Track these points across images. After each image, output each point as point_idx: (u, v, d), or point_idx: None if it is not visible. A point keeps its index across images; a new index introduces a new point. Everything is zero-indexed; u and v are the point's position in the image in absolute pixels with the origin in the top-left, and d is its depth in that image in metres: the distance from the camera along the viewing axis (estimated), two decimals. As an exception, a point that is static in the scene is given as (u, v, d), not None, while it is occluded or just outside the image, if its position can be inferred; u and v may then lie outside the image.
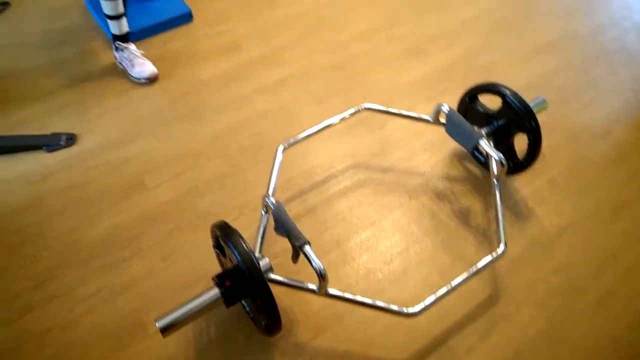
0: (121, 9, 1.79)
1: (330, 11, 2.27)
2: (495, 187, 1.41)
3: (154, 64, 1.92)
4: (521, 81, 1.95)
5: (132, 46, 1.90)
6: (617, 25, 2.25)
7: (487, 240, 1.45)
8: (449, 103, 1.80)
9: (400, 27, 2.19)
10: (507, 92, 1.47)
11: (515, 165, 1.56)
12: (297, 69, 1.98)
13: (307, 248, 1.13)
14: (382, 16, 2.25)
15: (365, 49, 2.07)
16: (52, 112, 1.80)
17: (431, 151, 1.69)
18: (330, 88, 1.90)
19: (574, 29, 2.22)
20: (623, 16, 2.30)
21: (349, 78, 1.95)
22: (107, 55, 2.02)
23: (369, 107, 1.57)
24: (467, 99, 1.61)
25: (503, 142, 1.54)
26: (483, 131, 1.53)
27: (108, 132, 1.73)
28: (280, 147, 1.43)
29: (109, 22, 1.82)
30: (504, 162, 1.41)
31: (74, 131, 1.73)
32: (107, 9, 1.77)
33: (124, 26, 1.84)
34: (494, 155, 1.41)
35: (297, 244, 1.15)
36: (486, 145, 1.43)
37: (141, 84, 1.90)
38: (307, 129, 1.49)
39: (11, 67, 1.99)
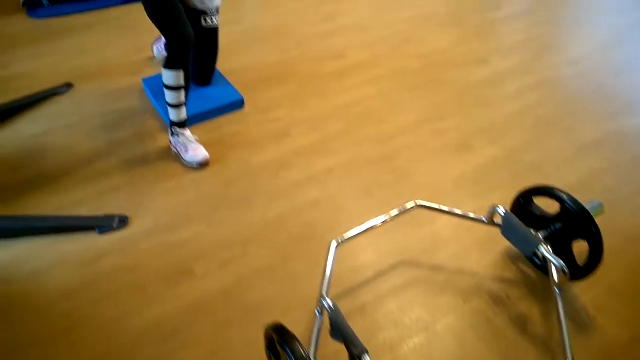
0: (183, 99, 1.88)
1: (377, 103, 2.34)
2: (557, 297, 1.35)
3: (206, 148, 1.97)
4: (570, 180, 1.93)
5: (187, 132, 1.97)
6: (664, 126, 2.25)
7: (550, 352, 1.37)
8: (497, 201, 1.79)
9: (445, 121, 2.23)
10: (565, 196, 1.45)
11: (574, 271, 1.50)
12: (345, 160, 2.01)
13: (366, 358, 1.09)
14: (427, 109, 2.30)
15: (412, 142, 2.11)
16: (106, 193, 1.84)
17: (483, 250, 1.65)
18: (377, 180, 1.92)
19: (620, 128, 2.22)
20: (669, 117, 2.31)
21: (396, 171, 1.96)
22: (161, 138, 2.10)
23: (422, 204, 1.57)
24: (521, 199, 1.60)
25: (561, 247, 1.50)
26: (540, 235, 1.49)
27: (160, 215, 1.75)
28: (334, 244, 1.42)
29: (170, 109, 1.90)
30: (566, 270, 1.36)
31: (127, 213, 1.76)
32: (170, 98, 1.86)
33: (183, 114, 1.93)
34: (555, 262, 1.37)
35: (356, 352, 1.11)
36: (546, 251, 1.40)
37: (193, 169, 1.95)
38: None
39: (71, 146, 2.07)
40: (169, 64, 1.79)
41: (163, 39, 2.51)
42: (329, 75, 2.54)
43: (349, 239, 1.45)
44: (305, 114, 2.26)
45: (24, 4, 3.24)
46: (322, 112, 2.28)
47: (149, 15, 1.93)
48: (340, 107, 2.31)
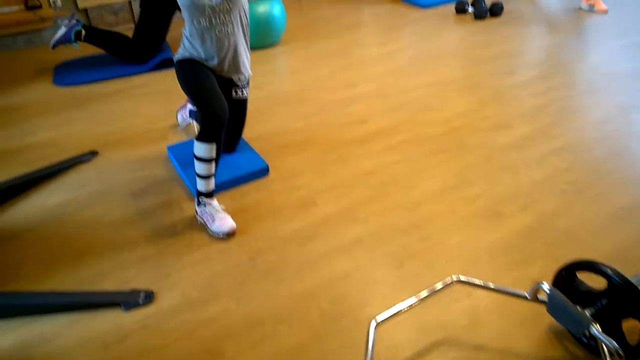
0: (213, 170, 1.88)
1: (402, 169, 2.33)
2: (614, 382, 1.27)
3: (231, 217, 1.95)
4: (608, 249, 1.87)
5: (214, 202, 1.95)
6: (696, 191, 2.21)
7: None
8: (535, 272, 1.74)
9: (472, 187, 2.20)
10: (610, 271, 1.39)
11: (626, 352, 1.42)
12: (373, 229, 1.97)
13: None
14: (453, 175, 2.29)
15: (440, 209, 2.07)
16: (131, 265, 1.80)
17: (526, 327, 1.57)
18: (407, 250, 1.87)
19: (651, 194, 2.19)
20: (699, 181, 2.27)
21: (427, 239, 1.92)
22: (187, 207, 2.09)
23: (461, 279, 1.51)
24: (563, 273, 1.54)
25: (609, 325, 1.42)
26: (587, 312, 1.42)
27: (186, 290, 1.70)
28: (373, 324, 1.35)
29: (198, 180, 1.89)
30: (620, 352, 1.28)
31: (153, 287, 1.71)
32: (200, 169, 1.86)
33: (211, 184, 1.92)
34: (609, 344, 1.29)
35: None
36: (598, 332, 1.32)
37: (220, 239, 1.91)
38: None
39: (95, 216, 2.06)
40: (202, 137, 1.81)
41: (188, 106, 2.55)
42: (351, 142, 2.55)
43: (387, 318, 1.39)
44: (330, 181, 2.25)
45: (53, 47, 3.29)
46: (347, 179, 2.26)
47: (182, 88, 1.97)
48: (364, 174, 2.30)
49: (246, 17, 2.01)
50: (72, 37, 3.23)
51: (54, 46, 3.26)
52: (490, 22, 4.32)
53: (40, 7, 3.91)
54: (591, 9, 4.45)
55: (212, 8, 1.88)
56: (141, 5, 3.34)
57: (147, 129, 2.70)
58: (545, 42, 3.93)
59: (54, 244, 1.92)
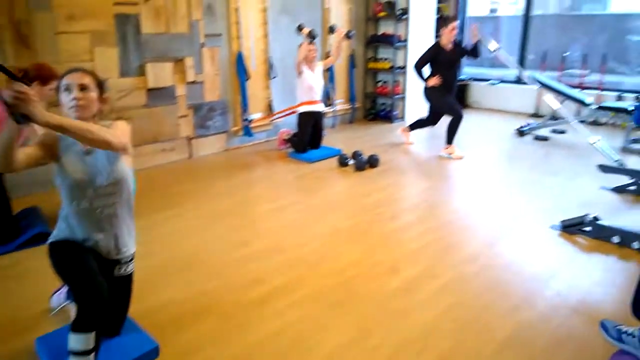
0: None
1: (306, 326, 2.26)
2: None
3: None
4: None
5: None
6: None
7: None
8: None
9: (372, 338, 2.18)
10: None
11: None
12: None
13: None
14: (353, 327, 2.26)
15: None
16: None
17: None
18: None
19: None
20: None
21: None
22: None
23: None
24: None
25: None
26: None
27: None
28: None
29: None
30: None
31: None
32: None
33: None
34: None
35: None
36: None
37: None
38: None
39: None
40: (78, 326, 1.63)
41: (65, 287, 2.34)
42: (252, 304, 2.46)
43: None
44: (233, 351, 2.11)
45: None
46: (251, 346, 2.14)
47: (55, 272, 1.83)
48: (270, 337, 2.19)
49: (129, 194, 1.99)
50: None
51: None
52: (369, 173, 4.74)
53: None
54: (449, 156, 5.16)
55: (95, 190, 1.85)
56: None
57: (12, 318, 2.36)
58: (418, 188, 4.38)
59: None
